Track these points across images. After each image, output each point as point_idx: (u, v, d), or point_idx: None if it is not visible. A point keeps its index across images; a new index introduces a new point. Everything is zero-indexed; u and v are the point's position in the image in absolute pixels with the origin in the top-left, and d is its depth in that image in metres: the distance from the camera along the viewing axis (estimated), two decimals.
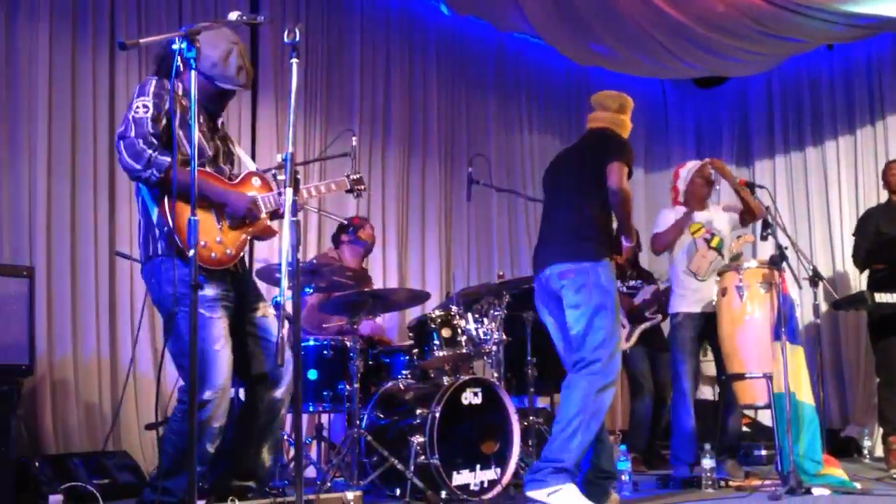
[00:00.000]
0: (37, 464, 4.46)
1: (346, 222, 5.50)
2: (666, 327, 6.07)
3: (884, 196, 6.56)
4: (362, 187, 3.96)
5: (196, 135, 3.07)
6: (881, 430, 6.00)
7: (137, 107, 3.32)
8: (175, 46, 2.99)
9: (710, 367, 5.40)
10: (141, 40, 3.19)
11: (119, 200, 5.54)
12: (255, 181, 3.60)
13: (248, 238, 3.58)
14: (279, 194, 3.52)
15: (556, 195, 4.33)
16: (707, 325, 5.13)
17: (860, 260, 6.17)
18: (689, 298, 5.21)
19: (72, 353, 5.21)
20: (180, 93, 3.40)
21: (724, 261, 5.23)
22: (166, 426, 3.48)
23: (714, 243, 5.25)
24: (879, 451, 6.25)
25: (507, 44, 8.09)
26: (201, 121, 3.52)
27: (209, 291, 3.33)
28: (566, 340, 4.11)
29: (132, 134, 3.27)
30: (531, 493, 3.83)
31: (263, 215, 3.55)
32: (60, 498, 3.88)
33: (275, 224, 3.67)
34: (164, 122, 3.32)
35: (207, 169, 3.46)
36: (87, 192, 5.41)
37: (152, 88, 3.36)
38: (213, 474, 3.51)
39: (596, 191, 4.11)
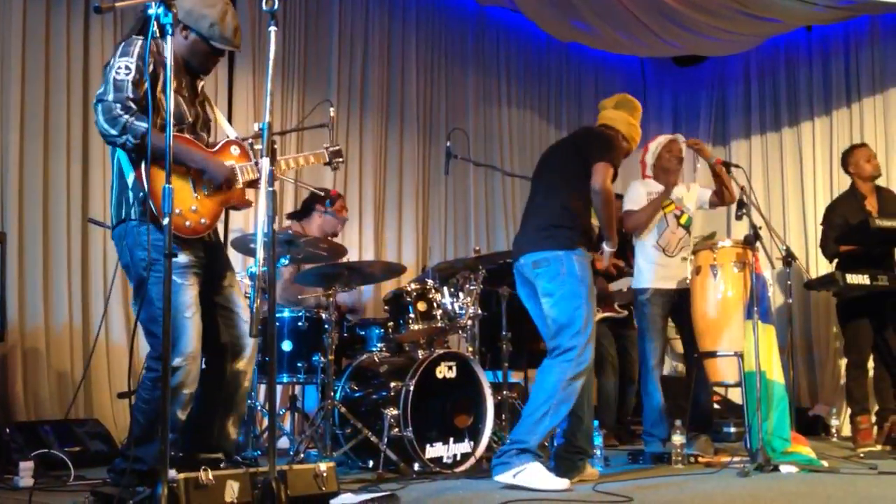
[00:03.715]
0: (7, 430, 4.44)
1: (323, 193, 5.43)
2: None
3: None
4: (340, 160, 3.94)
5: (173, 101, 3.01)
6: (849, 409, 6.07)
7: (119, 67, 3.22)
8: (151, 11, 2.92)
9: (679, 344, 5.42)
10: (116, 3, 3.07)
11: (92, 166, 5.48)
12: (234, 150, 3.55)
13: (224, 208, 3.55)
14: (256, 164, 3.49)
15: (539, 185, 4.35)
16: (675, 303, 5.16)
17: (828, 251, 6.16)
18: (659, 274, 5.22)
19: (43, 321, 5.16)
20: (167, 55, 3.22)
21: (690, 238, 5.27)
22: (136, 394, 3.46)
23: (682, 220, 5.30)
24: (847, 431, 6.32)
25: (487, 16, 8.03)
26: (183, 85, 3.47)
27: (181, 258, 3.30)
28: (545, 327, 4.13)
29: (110, 98, 3.19)
30: (498, 477, 3.86)
31: (240, 184, 3.52)
32: (31, 465, 3.85)
33: (251, 194, 3.64)
34: (145, 85, 3.18)
35: (186, 135, 3.41)
36: (59, 157, 5.34)
37: (137, 49, 3.24)
38: (183, 446, 3.49)
39: (577, 184, 4.13)
